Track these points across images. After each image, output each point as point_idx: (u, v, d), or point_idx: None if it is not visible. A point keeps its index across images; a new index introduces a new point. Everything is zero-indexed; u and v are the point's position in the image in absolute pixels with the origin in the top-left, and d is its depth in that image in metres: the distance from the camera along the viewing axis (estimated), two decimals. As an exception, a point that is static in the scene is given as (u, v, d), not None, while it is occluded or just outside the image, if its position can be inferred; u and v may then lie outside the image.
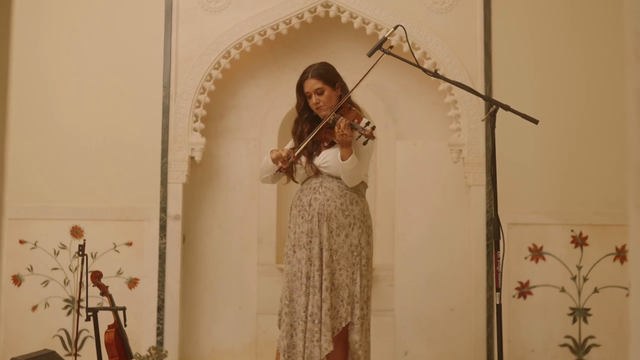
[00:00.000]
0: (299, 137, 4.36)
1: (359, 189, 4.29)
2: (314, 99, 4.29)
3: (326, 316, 4.06)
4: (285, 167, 4.23)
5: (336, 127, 4.11)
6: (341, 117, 4.14)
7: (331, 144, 4.30)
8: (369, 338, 4.26)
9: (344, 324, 4.12)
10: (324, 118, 4.27)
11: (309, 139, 4.22)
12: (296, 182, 4.43)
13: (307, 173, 4.27)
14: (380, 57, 4.24)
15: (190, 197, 5.70)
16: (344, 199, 4.22)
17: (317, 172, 4.25)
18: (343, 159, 4.14)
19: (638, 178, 1.39)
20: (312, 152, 4.28)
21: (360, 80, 4.32)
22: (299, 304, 4.12)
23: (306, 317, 4.08)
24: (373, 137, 4.08)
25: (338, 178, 4.25)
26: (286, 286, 4.17)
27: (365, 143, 4.11)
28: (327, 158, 4.24)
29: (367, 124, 4.11)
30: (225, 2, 5.66)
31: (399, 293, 5.70)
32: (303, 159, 4.28)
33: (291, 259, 4.19)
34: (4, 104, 1.30)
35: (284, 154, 4.22)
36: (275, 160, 4.24)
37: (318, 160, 4.26)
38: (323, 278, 4.09)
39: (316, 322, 4.06)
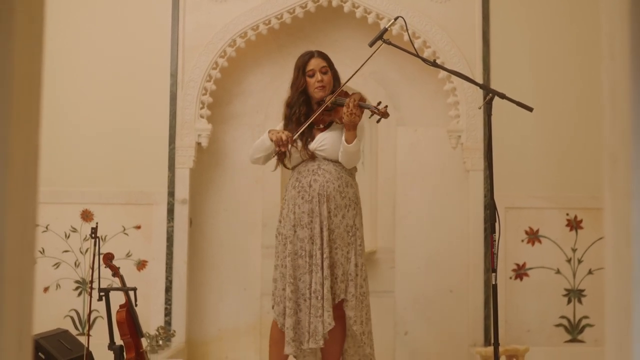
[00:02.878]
0: (296, 120, 4.39)
1: (352, 172, 4.41)
2: (318, 77, 4.35)
3: (328, 292, 4.17)
4: (284, 150, 4.27)
5: (345, 107, 4.15)
6: (351, 96, 4.17)
7: (326, 127, 4.38)
8: (370, 315, 4.36)
9: (337, 301, 4.24)
10: (319, 100, 4.37)
11: (310, 121, 4.27)
12: (286, 167, 4.46)
13: (302, 157, 4.35)
14: (379, 46, 4.30)
15: (197, 181, 5.83)
16: (340, 182, 4.32)
17: (312, 156, 4.34)
18: (348, 142, 4.22)
19: (611, 168, 1.53)
20: (306, 136, 4.35)
21: (361, 67, 4.37)
22: (303, 282, 4.24)
23: (310, 294, 4.21)
24: (387, 115, 4.16)
25: (334, 161, 4.34)
26: (290, 265, 4.25)
27: (378, 121, 4.25)
28: (325, 142, 4.33)
29: (379, 103, 4.17)
30: (231, -9, 5.78)
31: (399, 275, 5.83)
32: (299, 142, 4.34)
33: (292, 238, 4.28)
34: (39, 92, 1.45)
35: (284, 137, 4.23)
36: (276, 142, 4.25)
37: (314, 144, 4.33)
38: (324, 256, 4.22)
39: (319, 298, 4.17)
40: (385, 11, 5.64)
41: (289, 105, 4.45)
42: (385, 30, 4.32)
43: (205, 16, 5.76)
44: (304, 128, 4.28)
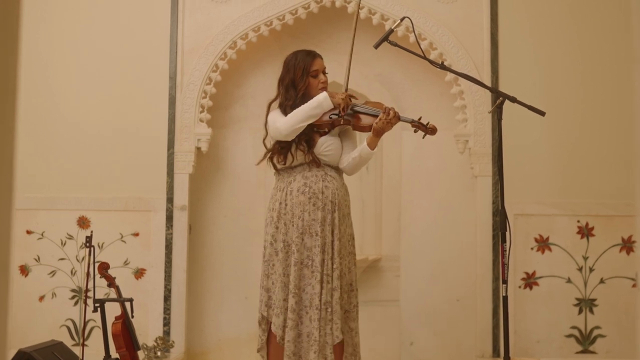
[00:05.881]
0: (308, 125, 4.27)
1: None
2: (322, 77, 4.29)
3: (337, 304, 4.07)
4: (344, 116, 4.19)
5: (383, 114, 4.13)
6: (388, 107, 4.18)
7: (326, 132, 4.28)
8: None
9: (343, 312, 4.15)
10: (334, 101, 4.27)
11: (343, 115, 4.20)
12: (275, 166, 4.31)
13: (306, 159, 4.22)
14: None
15: (196, 187, 5.71)
16: (344, 190, 4.29)
17: (314, 161, 4.22)
18: (372, 147, 4.19)
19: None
20: (306, 138, 4.23)
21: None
22: (307, 293, 4.09)
23: (320, 306, 4.06)
24: (435, 131, 4.25)
25: (334, 168, 4.26)
26: (296, 275, 4.09)
27: (424, 137, 4.26)
28: (331, 146, 4.24)
29: (420, 118, 4.21)
30: (231, -8, 5.66)
31: (404, 284, 5.71)
32: (304, 144, 4.23)
33: (300, 246, 4.13)
34: (14, 96, 1.31)
35: (343, 96, 4.19)
36: (345, 105, 4.17)
37: (319, 148, 4.22)
38: (334, 267, 4.09)
39: (329, 310, 4.05)
40: (390, 12, 5.52)
41: (293, 107, 4.26)
42: (392, 31, 4.22)
43: (205, 17, 5.64)
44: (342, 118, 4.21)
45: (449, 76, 5.50)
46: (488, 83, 5.40)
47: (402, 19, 4.30)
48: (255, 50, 5.77)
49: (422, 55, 4.26)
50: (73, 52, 5.68)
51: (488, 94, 5.43)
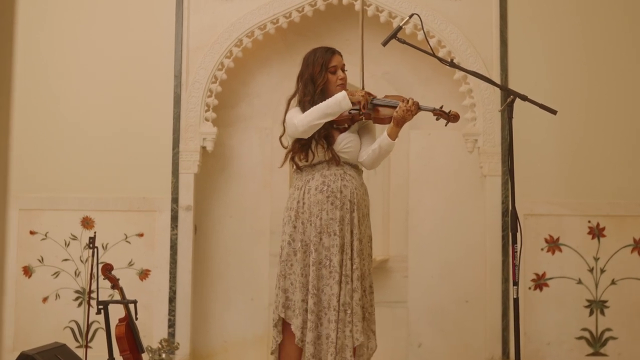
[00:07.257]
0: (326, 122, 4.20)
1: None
2: (341, 74, 4.22)
3: (357, 306, 4.02)
4: (364, 112, 4.11)
5: (403, 103, 4.07)
6: (409, 98, 4.12)
7: (345, 129, 4.21)
8: None
9: (365, 314, 4.10)
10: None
11: (364, 112, 4.11)
12: (297, 164, 4.21)
13: (326, 157, 4.15)
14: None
15: (202, 187, 5.65)
16: (363, 189, 4.22)
17: (334, 158, 4.15)
18: (392, 137, 4.12)
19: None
20: (327, 135, 4.16)
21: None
22: (326, 294, 4.02)
23: (339, 307, 4.00)
24: (457, 118, 4.17)
25: (353, 166, 4.20)
26: (314, 275, 4.02)
27: (446, 125, 4.20)
28: (350, 143, 4.17)
29: (441, 107, 4.18)
30: (237, -10, 5.60)
31: (412, 284, 5.65)
32: (324, 141, 4.16)
33: (318, 246, 4.05)
34: (9, 96, 1.24)
35: (367, 97, 4.12)
36: (364, 102, 4.09)
37: (338, 145, 4.16)
38: (354, 267, 4.03)
39: (348, 312, 3.99)
40: (398, 9, 5.46)
41: (312, 103, 4.17)
42: (400, 28, 4.15)
43: (210, 15, 5.59)
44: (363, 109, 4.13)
45: (458, 74, 5.45)
46: (497, 81, 5.33)
47: (410, 16, 4.22)
48: (261, 48, 5.71)
49: (431, 52, 4.18)
50: (76, 51, 5.63)
51: (497, 92, 5.37)
